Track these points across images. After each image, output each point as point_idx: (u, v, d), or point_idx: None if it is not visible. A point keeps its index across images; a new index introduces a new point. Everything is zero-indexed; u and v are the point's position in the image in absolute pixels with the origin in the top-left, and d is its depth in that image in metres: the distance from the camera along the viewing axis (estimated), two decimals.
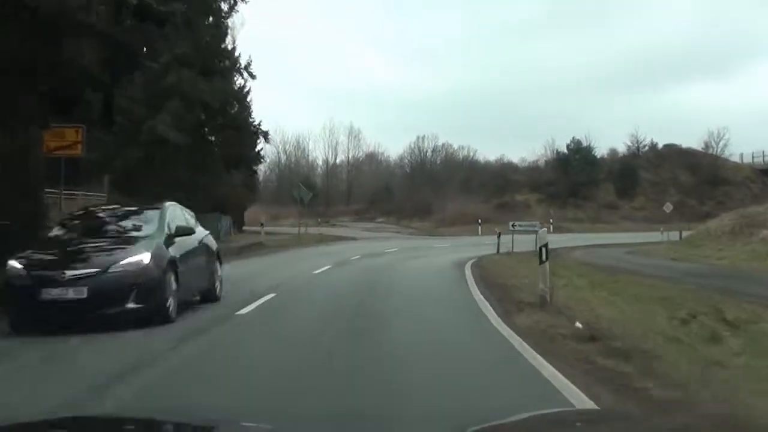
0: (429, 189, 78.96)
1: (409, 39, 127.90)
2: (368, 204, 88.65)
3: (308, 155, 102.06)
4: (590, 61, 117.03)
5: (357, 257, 28.93)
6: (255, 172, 59.59)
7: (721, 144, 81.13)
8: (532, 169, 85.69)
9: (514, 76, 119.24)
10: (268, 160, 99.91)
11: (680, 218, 73.69)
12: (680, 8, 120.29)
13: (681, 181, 79.93)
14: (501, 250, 31.87)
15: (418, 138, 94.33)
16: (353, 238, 47.87)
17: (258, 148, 55.33)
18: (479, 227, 56.35)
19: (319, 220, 75.91)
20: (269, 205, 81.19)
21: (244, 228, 59.75)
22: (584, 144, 79.60)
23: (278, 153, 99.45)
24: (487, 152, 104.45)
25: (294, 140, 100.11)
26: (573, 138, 79.90)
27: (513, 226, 32.58)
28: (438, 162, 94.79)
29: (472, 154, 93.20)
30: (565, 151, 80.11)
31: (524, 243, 29.86)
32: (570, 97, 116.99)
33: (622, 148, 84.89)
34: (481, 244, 36.86)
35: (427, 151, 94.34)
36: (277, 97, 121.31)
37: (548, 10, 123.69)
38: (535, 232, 24.89)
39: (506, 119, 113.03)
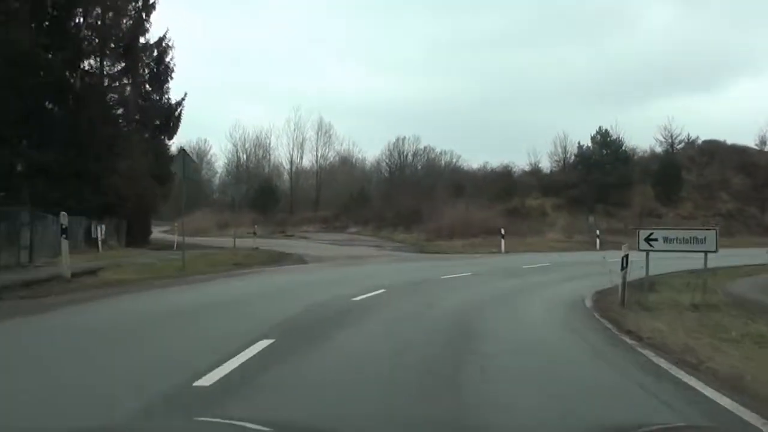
0: (413, 195, 62.14)
1: (386, 48, 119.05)
2: (340, 211, 71.56)
3: (269, 154, 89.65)
4: (577, 72, 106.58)
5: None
6: (166, 151, 42.81)
7: None
8: (536, 172, 69.65)
9: (496, 85, 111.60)
10: (225, 161, 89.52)
11: (745, 229, 57.32)
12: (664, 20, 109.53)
13: (733, 184, 63.30)
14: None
15: (398, 139, 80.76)
16: (303, 261, 30.25)
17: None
18: (502, 241, 39.12)
19: (272, 230, 60.24)
20: (222, 211, 70.88)
21: (152, 237, 42.80)
22: (612, 136, 62.87)
23: (236, 152, 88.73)
24: (471, 159, 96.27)
25: (254, 137, 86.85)
26: (599, 128, 63.11)
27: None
28: (419, 167, 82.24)
29: (455, 159, 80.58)
30: (589, 144, 63.20)
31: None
32: (553, 107, 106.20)
33: (645, 147, 68.53)
34: (549, 269, 26.14)
35: (407, 154, 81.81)
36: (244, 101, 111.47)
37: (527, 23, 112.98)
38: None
39: (487, 128, 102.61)
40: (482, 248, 40.66)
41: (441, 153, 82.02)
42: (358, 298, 14.98)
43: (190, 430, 3.21)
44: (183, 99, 45.51)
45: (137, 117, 40.35)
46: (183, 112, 45.02)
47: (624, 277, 15.46)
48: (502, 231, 40.28)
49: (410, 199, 60.62)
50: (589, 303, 15.77)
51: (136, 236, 36.40)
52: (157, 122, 44.75)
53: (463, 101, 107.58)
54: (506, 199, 60.54)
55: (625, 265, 15.42)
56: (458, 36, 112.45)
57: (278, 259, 29.28)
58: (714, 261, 31.50)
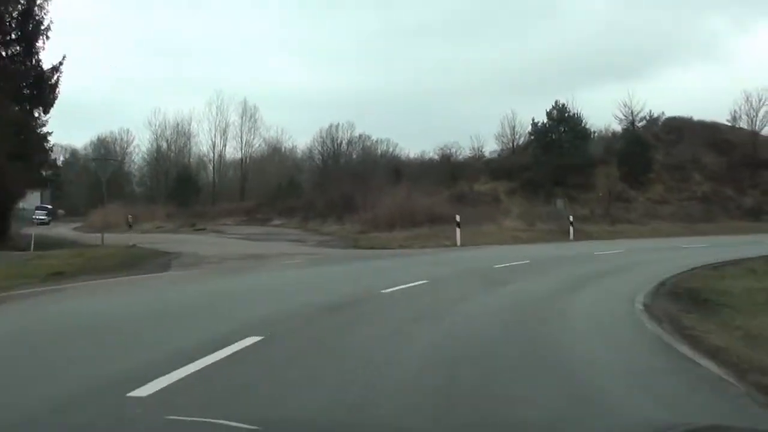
0: (346, 182, 53.99)
1: (319, 39, 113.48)
2: (264, 202, 63.25)
3: (190, 141, 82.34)
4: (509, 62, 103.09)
5: None
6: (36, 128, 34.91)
7: (762, 113, 57.39)
8: (482, 155, 62.54)
9: (433, 75, 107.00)
10: (143, 149, 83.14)
11: (724, 213, 50.29)
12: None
13: (706, 163, 56.31)
14: None
15: (331, 126, 74.41)
16: (169, 267, 20.71)
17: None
18: (458, 231, 30.98)
19: (182, 223, 52.39)
20: (138, 202, 67.34)
21: (23, 233, 34.33)
22: (570, 111, 55.25)
23: (156, 140, 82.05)
24: (410, 147, 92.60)
25: (175, 124, 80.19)
26: (556, 102, 55.42)
27: None
28: (355, 156, 76.79)
29: (392, 148, 75.38)
30: (545, 120, 55.43)
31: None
32: (496, 95, 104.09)
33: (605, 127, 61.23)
34: (532, 270, 18.93)
35: (341, 142, 76.44)
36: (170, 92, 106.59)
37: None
38: None
39: (427, 118, 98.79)
40: (431, 241, 32.51)
41: (377, 141, 76.49)
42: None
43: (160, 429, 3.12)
44: (60, 64, 37.45)
45: None
46: (61, 80, 37.35)
47: None
48: (458, 219, 31.95)
49: (343, 187, 52.28)
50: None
51: None
52: (26, 91, 36.55)
53: (400, 91, 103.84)
54: (451, 185, 52.71)
55: None
56: (392, 26, 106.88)
57: (137, 263, 20.38)
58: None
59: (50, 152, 42.11)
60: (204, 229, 49.33)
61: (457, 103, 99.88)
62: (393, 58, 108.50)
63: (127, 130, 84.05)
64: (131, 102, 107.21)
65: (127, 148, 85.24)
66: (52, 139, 39.79)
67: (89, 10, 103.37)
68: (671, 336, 9.10)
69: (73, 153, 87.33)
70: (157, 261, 21.24)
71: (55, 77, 37.47)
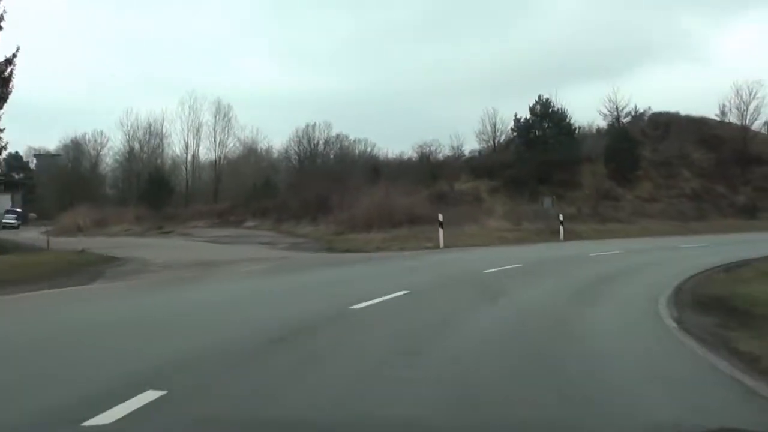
0: (323, 182, 51.62)
1: (296, 41, 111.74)
2: (237, 203, 60.81)
3: (163, 142, 79.92)
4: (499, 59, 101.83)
5: None
6: None
7: (752, 108, 55.38)
8: (462, 154, 60.48)
9: (413, 75, 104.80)
10: (116, 151, 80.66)
11: (716, 211, 48.34)
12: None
13: (695, 159, 54.36)
14: None
15: (307, 126, 72.49)
16: (101, 276, 17.88)
17: None
18: (440, 232, 28.72)
19: (148, 226, 50.05)
20: (109, 205, 66.68)
21: None
22: (555, 106, 53.04)
23: (128, 141, 79.62)
24: (388, 148, 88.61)
25: (147, 124, 78.05)
26: (539, 97, 53.17)
27: None
28: (332, 156, 74.89)
29: (370, 148, 73.34)
30: (527, 115, 53.21)
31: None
32: (470, 97, 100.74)
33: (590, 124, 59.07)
34: (530, 274, 16.27)
35: (318, 142, 74.51)
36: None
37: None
38: None
39: (405, 119, 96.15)
40: (411, 242, 30.21)
41: (355, 141, 74.47)
42: None
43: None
44: (14, 56, 34.55)
45: None
46: (14, 72, 34.38)
47: None
48: (440, 218, 29.56)
49: (318, 187, 49.85)
50: None
51: None
52: None
53: (378, 92, 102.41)
54: (431, 184, 50.44)
55: None
56: (369, 27, 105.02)
57: (71, 271, 17.79)
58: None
59: (3, 150, 39.40)
60: (171, 232, 46.79)
61: (436, 103, 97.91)
62: (370, 58, 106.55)
63: (101, 132, 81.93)
64: (105, 103, 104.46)
65: (101, 150, 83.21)
66: (4, 137, 37.07)
67: (57, 10, 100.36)
68: (734, 367, 6.82)
69: (55, 156, 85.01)
70: (94, 269, 18.58)
71: (9, 70, 34.93)
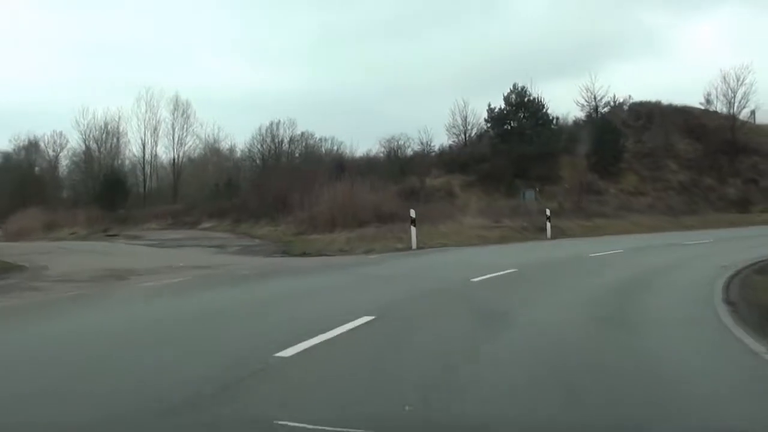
0: (284, 181, 48.04)
1: (261, 40, 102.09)
2: (195, 204, 57.35)
3: (119, 141, 75.69)
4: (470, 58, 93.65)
5: None
6: None
7: (740, 95, 52.21)
8: (431, 149, 56.88)
9: (374, 75, 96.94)
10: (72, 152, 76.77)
11: (706, 204, 45.26)
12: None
13: (680, 150, 51.26)
14: None
15: (271, 123, 68.09)
16: None
17: None
18: (413, 231, 25.11)
19: (96, 229, 46.56)
20: (62, 207, 62.42)
21: None
22: (531, 95, 49.63)
23: (85, 141, 75.25)
24: (355, 147, 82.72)
25: (103, 123, 73.60)
26: (514, 86, 49.71)
27: None
28: (297, 155, 71.04)
29: (337, 146, 69.66)
30: (502, 105, 49.76)
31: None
32: (439, 97, 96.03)
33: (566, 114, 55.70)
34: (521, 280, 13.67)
35: (282, 140, 70.69)
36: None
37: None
38: None
39: (370, 119, 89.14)
40: (379, 243, 26.58)
41: (321, 140, 71.11)
42: None
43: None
44: None
45: None
46: None
47: None
48: (413, 214, 25.84)
49: (280, 185, 46.13)
50: None
51: None
52: None
53: (345, 91, 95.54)
54: (400, 180, 46.97)
55: None
56: (333, 26, 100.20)
57: None
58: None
59: None
60: (116, 236, 42.88)
61: (405, 101, 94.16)
62: (336, 56, 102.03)
63: (60, 133, 77.53)
64: (66, 104, 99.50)
65: (60, 152, 78.87)
66: None
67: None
68: None
69: (6, 156, 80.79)
70: None
71: None
